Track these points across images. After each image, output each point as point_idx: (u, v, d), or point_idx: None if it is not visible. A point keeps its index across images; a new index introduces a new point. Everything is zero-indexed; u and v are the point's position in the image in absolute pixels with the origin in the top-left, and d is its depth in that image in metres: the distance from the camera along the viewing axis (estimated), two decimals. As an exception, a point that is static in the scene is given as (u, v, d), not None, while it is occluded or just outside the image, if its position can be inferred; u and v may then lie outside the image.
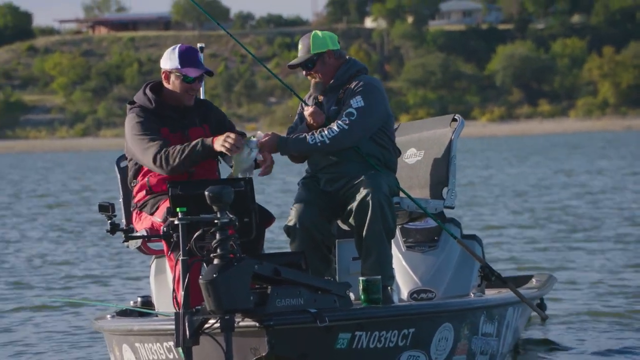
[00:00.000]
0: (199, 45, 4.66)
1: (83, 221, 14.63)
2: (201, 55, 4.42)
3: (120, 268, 9.55)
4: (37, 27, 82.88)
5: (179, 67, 4.34)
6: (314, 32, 4.59)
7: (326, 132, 4.40)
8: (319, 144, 4.39)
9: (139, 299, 4.92)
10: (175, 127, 4.38)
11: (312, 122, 4.50)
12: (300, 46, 4.57)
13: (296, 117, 4.63)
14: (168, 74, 4.39)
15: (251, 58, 73.78)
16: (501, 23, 79.24)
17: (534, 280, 5.63)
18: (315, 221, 4.43)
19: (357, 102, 4.44)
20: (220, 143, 4.22)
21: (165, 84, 4.41)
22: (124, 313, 4.73)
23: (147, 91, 4.39)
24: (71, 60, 73.75)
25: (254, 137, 4.28)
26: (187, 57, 4.34)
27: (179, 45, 4.41)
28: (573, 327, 6.07)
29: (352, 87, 4.49)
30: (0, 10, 79.58)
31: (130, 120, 4.38)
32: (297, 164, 4.70)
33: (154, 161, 4.29)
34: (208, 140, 4.26)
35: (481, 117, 69.21)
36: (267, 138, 4.36)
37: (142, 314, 4.71)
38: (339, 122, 4.42)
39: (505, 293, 4.96)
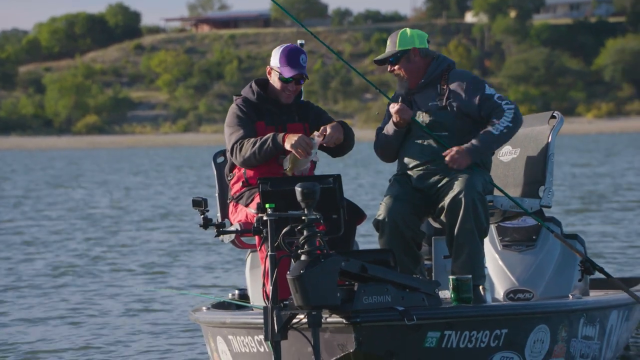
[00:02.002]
0: (299, 42, 4.74)
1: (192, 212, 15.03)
2: (303, 58, 4.50)
3: (215, 261, 9.76)
4: (144, 26, 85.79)
5: (279, 65, 4.49)
6: (404, 30, 4.60)
7: (503, 118, 4.40)
8: (505, 130, 4.37)
9: (237, 292, 5.01)
10: (272, 121, 4.48)
11: (398, 119, 4.49)
12: (388, 42, 4.60)
13: (385, 116, 4.63)
14: (270, 70, 4.55)
15: (347, 55, 73.92)
16: (612, 16, 76.23)
17: None
18: (405, 217, 4.41)
19: (489, 89, 4.47)
20: (291, 144, 4.29)
21: (269, 79, 4.55)
22: (221, 305, 4.82)
23: (253, 85, 4.56)
24: (175, 58, 75.96)
25: (312, 138, 4.30)
26: (288, 57, 4.48)
27: (286, 45, 4.55)
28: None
29: (461, 80, 4.48)
30: (112, 10, 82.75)
31: (230, 111, 4.56)
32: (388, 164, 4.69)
33: (231, 151, 4.45)
34: (279, 137, 4.34)
35: (587, 113, 66.90)
36: (457, 157, 4.34)
37: (238, 307, 4.79)
38: (503, 106, 4.42)
39: (609, 295, 4.80)
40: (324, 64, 73.03)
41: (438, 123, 4.47)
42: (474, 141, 4.39)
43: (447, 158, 4.37)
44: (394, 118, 4.49)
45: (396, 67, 4.53)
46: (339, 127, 4.40)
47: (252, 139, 4.38)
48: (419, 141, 4.49)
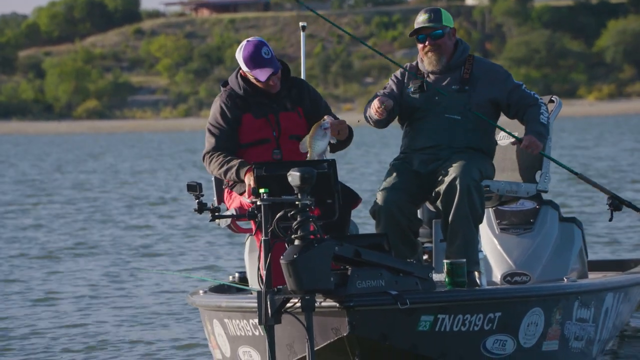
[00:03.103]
0: (301, 24, 4.67)
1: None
2: (265, 50, 4.40)
3: (218, 244, 9.79)
4: (144, 10, 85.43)
5: (249, 70, 4.43)
6: (437, 7, 4.58)
7: (542, 108, 4.48)
8: (548, 119, 4.50)
9: (237, 275, 5.03)
10: (261, 113, 4.44)
11: (376, 113, 4.42)
12: (425, 15, 4.47)
13: (387, 84, 4.58)
14: (245, 74, 4.48)
15: (348, 38, 73.70)
16: (613, -4, 75.97)
17: None
18: (400, 206, 4.42)
19: (512, 78, 4.54)
20: (248, 181, 4.27)
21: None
22: (219, 288, 4.83)
23: (239, 79, 4.49)
24: (175, 42, 75.71)
25: (324, 120, 4.28)
26: (252, 60, 4.40)
27: (243, 47, 4.42)
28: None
29: (489, 68, 4.51)
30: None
31: (213, 106, 4.53)
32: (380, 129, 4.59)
33: (203, 159, 4.49)
34: (242, 172, 4.33)
35: (588, 95, 66.75)
36: (528, 144, 4.43)
37: (238, 290, 4.79)
38: (535, 95, 4.54)
39: (605, 278, 4.82)
40: (325, 48, 72.77)
41: (453, 106, 4.48)
42: (535, 130, 4.45)
43: (525, 143, 4.42)
44: (372, 110, 4.43)
45: (438, 41, 4.46)
46: (346, 124, 4.37)
47: (220, 158, 4.37)
48: (429, 126, 4.48)
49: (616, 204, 4.67)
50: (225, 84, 4.55)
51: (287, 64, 4.53)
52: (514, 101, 4.51)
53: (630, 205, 4.61)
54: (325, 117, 4.31)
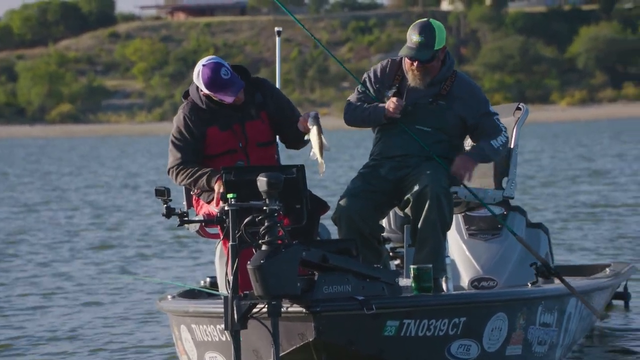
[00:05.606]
0: (276, 29, 4.64)
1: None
2: (224, 70, 4.32)
3: (188, 249, 9.77)
4: (119, 14, 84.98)
5: (213, 93, 4.39)
6: (436, 23, 4.49)
7: (500, 137, 4.45)
8: (501, 147, 4.46)
9: (208, 279, 5.00)
10: (227, 125, 4.41)
11: (391, 114, 4.44)
12: (419, 38, 4.40)
13: (360, 93, 4.54)
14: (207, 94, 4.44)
15: (324, 43, 73.12)
16: (585, 3, 76.94)
17: (607, 269, 5.48)
18: (362, 213, 4.44)
19: (491, 107, 4.50)
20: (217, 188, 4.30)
21: None
22: (188, 294, 4.83)
23: (200, 93, 4.43)
24: (151, 46, 75.35)
25: (315, 114, 4.23)
26: (214, 85, 4.35)
27: (201, 72, 4.33)
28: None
29: (468, 87, 4.49)
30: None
31: (176, 120, 4.48)
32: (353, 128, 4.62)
33: (168, 172, 4.49)
34: (212, 181, 4.34)
35: (560, 101, 67.54)
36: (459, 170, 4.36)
37: (208, 295, 4.79)
38: (501, 127, 4.47)
39: (571, 282, 4.88)
40: (301, 53, 72.87)
41: (426, 118, 4.49)
42: (473, 151, 4.44)
43: (453, 167, 4.40)
44: (390, 109, 4.42)
45: (427, 65, 4.43)
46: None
47: (189, 170, 4.37)
48: (401, 135, 4.50)
49: (543, 270, 4.67)
50: (186, 94, 4.50)
51: (245, 67, 4.47)
52: (481, 127, 4.51)
53: (558, 276, 4.60)
54: (301, 118, 4.27)
